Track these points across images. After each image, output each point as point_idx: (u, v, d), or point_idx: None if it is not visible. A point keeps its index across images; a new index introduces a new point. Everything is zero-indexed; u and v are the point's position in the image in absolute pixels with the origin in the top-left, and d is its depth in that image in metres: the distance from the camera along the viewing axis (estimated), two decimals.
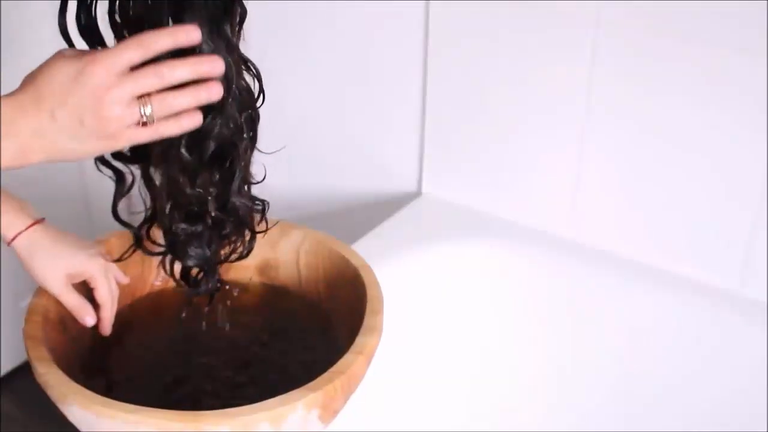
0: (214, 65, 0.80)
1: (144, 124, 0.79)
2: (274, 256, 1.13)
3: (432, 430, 1.39)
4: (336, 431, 0.96)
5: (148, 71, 0.78)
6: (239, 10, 0.87)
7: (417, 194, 1.55)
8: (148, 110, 0.79)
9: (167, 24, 0.82)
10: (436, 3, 1.39)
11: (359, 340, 0.95)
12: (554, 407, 1.43)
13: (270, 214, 1.01)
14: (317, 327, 1.09)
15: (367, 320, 0.98)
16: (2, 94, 0.80)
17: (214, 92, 0.81)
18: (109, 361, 1.04)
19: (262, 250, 1.12)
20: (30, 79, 0.80)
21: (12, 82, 0.82)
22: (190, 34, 0.79)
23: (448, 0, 1.38)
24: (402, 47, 1.46)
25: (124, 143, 0.81)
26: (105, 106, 0.77)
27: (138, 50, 0.78)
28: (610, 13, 1.25)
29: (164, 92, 0.79)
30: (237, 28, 0.87)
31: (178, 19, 0.82)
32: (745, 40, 1.18)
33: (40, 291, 1.00)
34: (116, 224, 1.01)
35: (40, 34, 1.64)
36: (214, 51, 0.82)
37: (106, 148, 0.82)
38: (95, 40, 0.88)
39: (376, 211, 1.57)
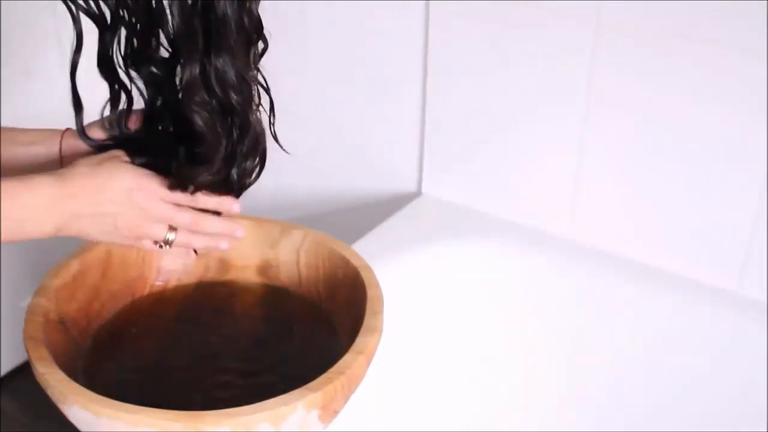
0: (235, 234, 0.97)
1: (160, 246, 0.94)
2: (274, 256, 1.13)
3: (432, 430, 1.39)
4: (336, 431, 0.96)
5: (188, 216, 0.93)
6: (263, 45, 0.92)
7: (417, 194, 1.55)
8: (171, 237, 0.93)
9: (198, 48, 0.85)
10: (436, 3, 1.39)
11: (359, 340, 0.95)
12: (554, 407, 1.43)
13: (270, 215, 1.01)
14: (317, 327, 1.09)
15: (368, 320, 0.98)
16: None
17: (224, 248, 0.98)
18: (109, 361, 1.04)
19: (262, 250, 1.13)
20: (92, 175, 0.88)
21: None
22: (233, 206, 0.95)
23: (449, 0, 1.38)
24: (402, 47, 1.46)
25: (139, 247, 0.94)
26: (144, 223, 0.91)
27: (187, 199, 0.92)
28: (610, 13, 1.25)
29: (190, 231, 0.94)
30: (257, 59, 0.93)
31: (210, 44, 0.85)
32: (745, 40, 1.18)
33: (40, 291, 1.00)
34: None
35: (41, 34, 1.65)
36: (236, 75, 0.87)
37: (124, 244, 0.93)
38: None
39: (376, 211, 1.57)
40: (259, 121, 0.93)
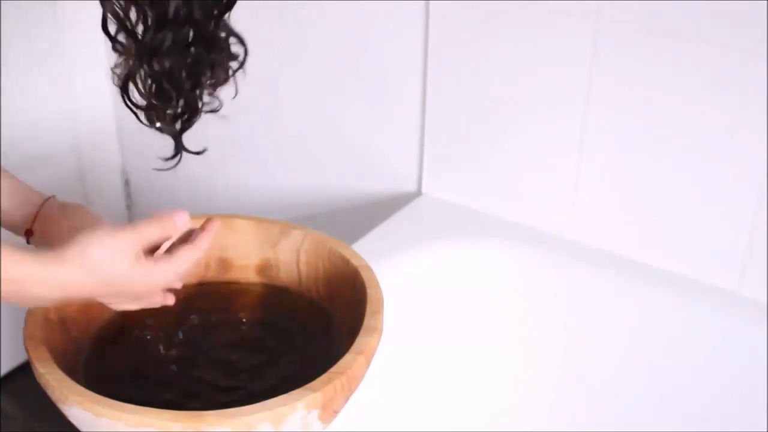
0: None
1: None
2: (274, 255, 1.13)
3: (432, 430, 1.39)
4: (336, 431, 0.96)
5: (185, 258, 0.93)
6: None
7: (417, 194, 1.56)
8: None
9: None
10: (436, 2, 1.39)
11: (359, 340, 0.95)
12: (554, 407, 1.43)
13: (270, 215, 1.01)
14: (317, 327, 1.09)
15: (367, 320, 0.98)
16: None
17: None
18: (109, 362, 1.04)
19: (262, 250, 1.13)
20: (88, 265, 0.88)
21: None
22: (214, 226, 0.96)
23: (449, 0, 1.38)
24: (402, 47, 1.46)
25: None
26: (150, 290, 0.94)
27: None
28: (610, 13, 1.25)
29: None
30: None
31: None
32: (745, 40, 1.18)
33: None
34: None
35: (41, 33, 1.65)
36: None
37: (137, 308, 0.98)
38: None
39: (376, 211, 1.57)
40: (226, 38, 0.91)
